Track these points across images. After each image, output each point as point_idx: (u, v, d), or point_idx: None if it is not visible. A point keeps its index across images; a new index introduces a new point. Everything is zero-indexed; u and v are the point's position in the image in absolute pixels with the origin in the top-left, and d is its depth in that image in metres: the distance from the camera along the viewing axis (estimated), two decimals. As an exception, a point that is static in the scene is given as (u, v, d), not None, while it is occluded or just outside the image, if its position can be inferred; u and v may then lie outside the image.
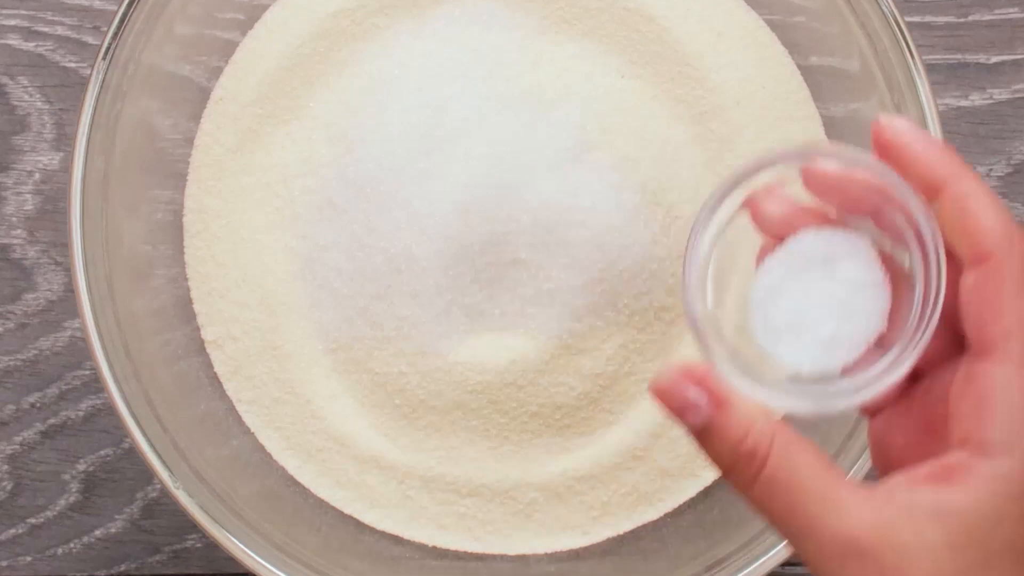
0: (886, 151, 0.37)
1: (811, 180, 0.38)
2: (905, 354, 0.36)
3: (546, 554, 0.57)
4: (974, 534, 0.34)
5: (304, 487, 0.57)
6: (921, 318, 0.36)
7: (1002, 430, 0.34)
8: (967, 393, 0.36)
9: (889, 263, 0.38)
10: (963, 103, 0.62)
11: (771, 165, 0.38)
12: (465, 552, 0.57)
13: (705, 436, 0.36)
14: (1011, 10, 0.62)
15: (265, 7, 0.59)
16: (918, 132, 0.37)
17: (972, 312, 0.36)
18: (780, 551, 0.51)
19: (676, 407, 0.36)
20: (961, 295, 0.36)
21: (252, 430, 0.57)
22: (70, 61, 0.62)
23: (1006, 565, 0.34)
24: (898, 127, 0.37)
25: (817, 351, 0.38)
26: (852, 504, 0.35)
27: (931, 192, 0.36)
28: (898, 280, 0.38)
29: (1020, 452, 0.34)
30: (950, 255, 0.36)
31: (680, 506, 0.57)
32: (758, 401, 0.36)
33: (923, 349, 0.36)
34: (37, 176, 0.62)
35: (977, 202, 0.36)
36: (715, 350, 0.38)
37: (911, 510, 0.35)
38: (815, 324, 0.38)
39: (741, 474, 0.36)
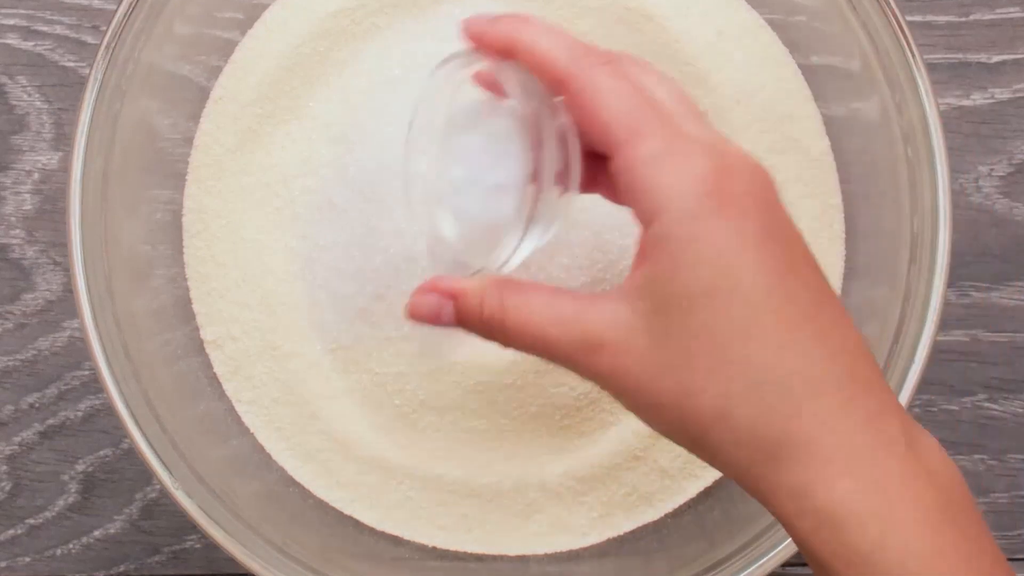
0: (476, 46, 0.43)
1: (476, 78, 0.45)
2: (535, 234, 0.42)
3: (546, 555, 0.57)
4: (660, 296, 0.39)
5: (304, 487, 0.57)
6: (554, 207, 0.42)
7: (646, 197, 0.39)
8: (619, 187, 0.40)
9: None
10: (964, 103, 0.62)
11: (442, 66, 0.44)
12: (465, 553, 0.57)
13: (462, 323, 0.43)
14: (1012, 9, 0.62)
15: (264, 6, 0.59)
16: (482, 17, 0.43)
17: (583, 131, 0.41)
18: (780, 552, 0.51)
19: (430, 317, 0.43)
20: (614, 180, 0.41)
21: (251, 430, 0.57)
22: (69, 60, 0.62)
23: (704, 306, 0.38)
24: (467, 23, 0.43)
25: (485, 201, 0.44)
26: (580, 314, 0.40)
27: (559, 88, 0.41)
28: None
29: (666, 204, 0.39)
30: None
31: (680, 507, 0.57)
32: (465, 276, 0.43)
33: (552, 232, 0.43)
34: (36, 176, 0.62)
35: (538, 42, 0.41)
36: (433, 250, 0.45)
37: (621, 298, 0.40)
38: (477, 177, 0.44)
39: (496, 334, 0.42)
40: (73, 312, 0.60)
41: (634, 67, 0.42)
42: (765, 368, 0.38)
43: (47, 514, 0.61)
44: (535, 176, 0.42)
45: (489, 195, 0.43)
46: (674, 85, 0.42)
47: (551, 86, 0.41)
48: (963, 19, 0.62)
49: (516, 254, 0.43)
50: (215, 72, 0.58)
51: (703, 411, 0.38)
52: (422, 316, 0.43)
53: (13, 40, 0.62)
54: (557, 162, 0.42)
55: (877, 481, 0.37)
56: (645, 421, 0.40)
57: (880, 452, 0.37)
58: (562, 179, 0.42)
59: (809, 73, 0.58)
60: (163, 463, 0.51)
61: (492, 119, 0.44)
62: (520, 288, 0.42)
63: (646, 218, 0.39)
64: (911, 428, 0.39)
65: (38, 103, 0.62)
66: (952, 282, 0.60)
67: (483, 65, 0.44)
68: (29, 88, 0.62)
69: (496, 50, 0.43)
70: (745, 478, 0.39)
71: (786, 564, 0.51)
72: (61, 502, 0.61)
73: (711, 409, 0.38)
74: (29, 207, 0.62)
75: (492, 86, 0.44)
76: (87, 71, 0.53)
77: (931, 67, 0.59)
